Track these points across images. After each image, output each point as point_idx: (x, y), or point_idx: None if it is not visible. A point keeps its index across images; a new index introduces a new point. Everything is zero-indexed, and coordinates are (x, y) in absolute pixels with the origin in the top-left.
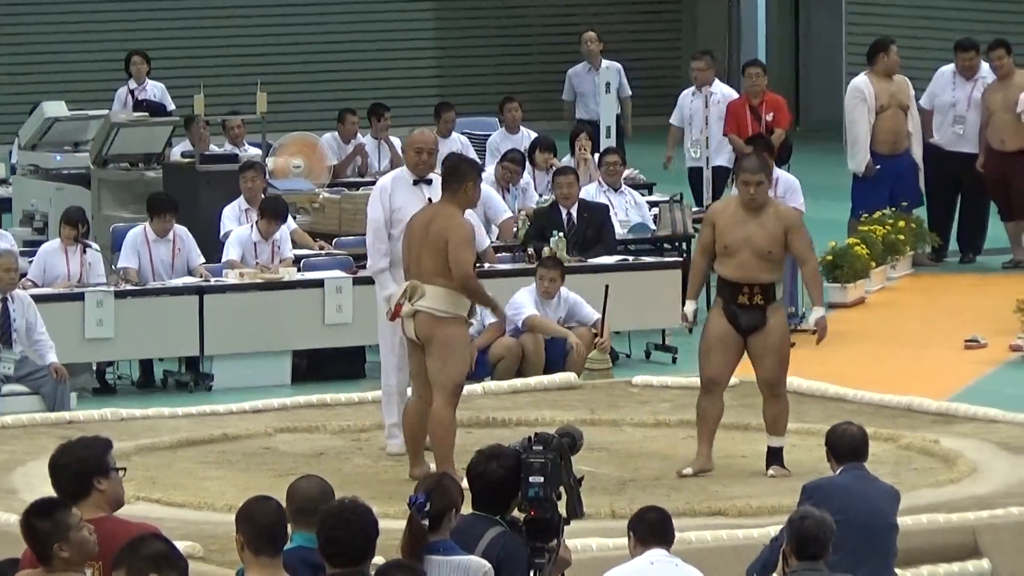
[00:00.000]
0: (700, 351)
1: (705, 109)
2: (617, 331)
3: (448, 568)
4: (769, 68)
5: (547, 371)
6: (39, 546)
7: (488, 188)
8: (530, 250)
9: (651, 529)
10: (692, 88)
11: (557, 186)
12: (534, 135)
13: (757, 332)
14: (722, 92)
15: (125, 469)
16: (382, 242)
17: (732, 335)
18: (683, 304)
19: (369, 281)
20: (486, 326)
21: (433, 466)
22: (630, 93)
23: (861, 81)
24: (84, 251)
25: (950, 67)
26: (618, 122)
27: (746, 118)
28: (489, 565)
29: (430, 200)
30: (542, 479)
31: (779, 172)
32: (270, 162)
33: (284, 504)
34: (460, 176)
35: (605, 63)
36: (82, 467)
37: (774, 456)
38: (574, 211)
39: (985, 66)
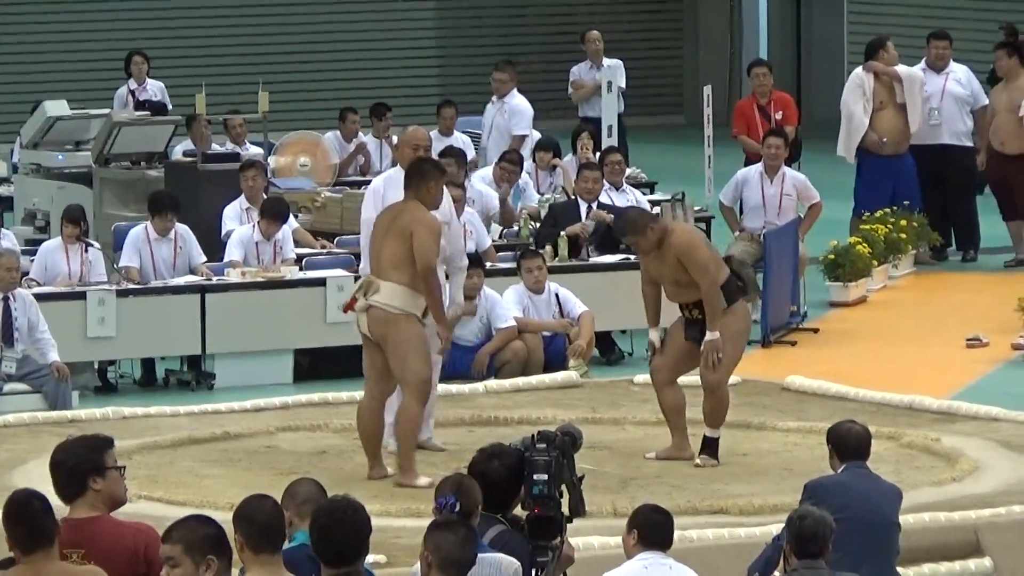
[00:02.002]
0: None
1: (498, 118)
2: (622, 329)
3: (481, 565)
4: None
5: (546, 370)
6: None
7: (490, 191)
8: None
9: (656, 532)
10: (494, 97)
11: (583, 179)
12: (536, 134)
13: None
14: (512, 104)
15: (124, 467)
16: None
17: (682, 338)
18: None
19: None
20: (496, 332)
21: (391, 469)
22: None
23: (863, 72)
24: (86, 250)
25: (921, 64)
26: (620, 121)
27: (755, 118)
28: (519, 564)
29: None
30: (546, 477)
31: (787, 170)
32: (273, 160)
33: (282, 503)
34: (422, 175)
35: (607, 62)
36: (77, 466)
37: (706, 445)
38: (595, 207)
39: (957, 66)
